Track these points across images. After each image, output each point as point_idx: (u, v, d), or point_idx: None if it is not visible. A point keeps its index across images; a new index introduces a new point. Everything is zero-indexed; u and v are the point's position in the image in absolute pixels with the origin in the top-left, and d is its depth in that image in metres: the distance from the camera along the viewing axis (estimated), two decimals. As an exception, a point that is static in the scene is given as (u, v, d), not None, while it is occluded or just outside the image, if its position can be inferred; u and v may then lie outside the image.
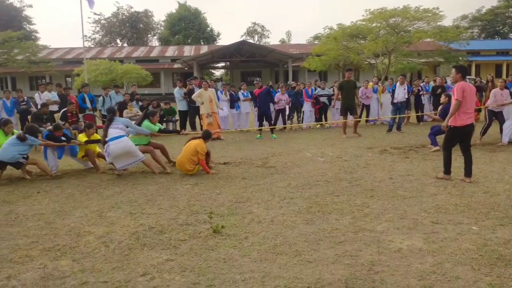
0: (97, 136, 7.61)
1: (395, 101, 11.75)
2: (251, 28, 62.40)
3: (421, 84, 14.16)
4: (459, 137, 5.81)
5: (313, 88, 13.85)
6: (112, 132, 6.76)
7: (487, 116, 9.20)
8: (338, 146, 9.34)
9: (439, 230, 3.94)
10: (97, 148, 7.74)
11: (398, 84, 11.87)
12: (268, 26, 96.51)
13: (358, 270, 3.14)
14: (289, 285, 2.92)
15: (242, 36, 61.50)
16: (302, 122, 13.63)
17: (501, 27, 55.71)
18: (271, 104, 12.04)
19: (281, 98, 12.57)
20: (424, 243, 3.64)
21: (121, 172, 6.99)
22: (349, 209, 4.66)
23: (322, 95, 13.45)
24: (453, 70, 5.84)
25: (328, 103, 13.69)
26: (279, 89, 13.01)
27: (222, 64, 41.65)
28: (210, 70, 46.89)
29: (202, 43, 52.30)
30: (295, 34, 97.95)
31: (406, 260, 3.30)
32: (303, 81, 18.93)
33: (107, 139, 6.73)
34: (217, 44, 51.07)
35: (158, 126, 7.46)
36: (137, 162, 6.96)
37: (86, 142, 7.37)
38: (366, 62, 27.22)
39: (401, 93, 11.64)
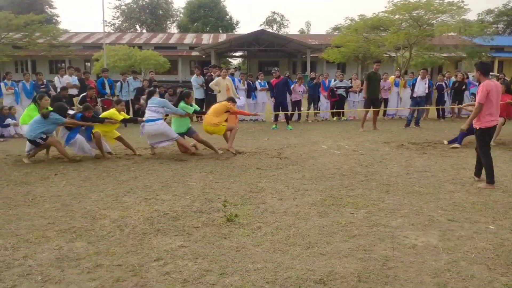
0: (125, 116, 7.82)
1: (414, 95, 11.56)
2: (270, 17, 61.90)
3: (444, 80, 13.86)
4: (488, 138, 5.43)
5: (330, 80, 13.69)
6: (149, 114, 7.20)
7: None
8: (354, 139, 9.25)
9: (455, 228, 3.88)
10: (115, 132, 7.67)
11: (419, 78, 11.66)
12: (287, 15, 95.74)
13: (371, 265, 3.11)
14: (302, 277, 2.92)
15: (261, 25, 61.13)
16: (319, 113, 13.53)
17: (527, 22, 53.98)
18: (288, 95, 11.98)
19: (298, 89, 12.49)
20: (440, 241, 3.58)
21: (154, 149, 7.47)
22: (364, 203, 4.62)
23: (339, 87, 13.29)
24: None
25: (345, 95, 13.53)
26: (296, 80, 12.92)
27: (240, 53, 41.50)
28: (228, 58, 46.78)
29: (220, 31, 52.14)
30: (314, 25, 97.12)
31: (420, 257, 3.26)
32: (321, 72, 18.69)
33: (144, 119, 7.27)
34: (236, 32, 50.86)
35: (193, 108, 7.75)
36: (171, 142, 7.33)
37: (123, 121, 7.57)
38: (386, 55, 26.77)
39: (421, 88, 11.45)
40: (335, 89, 13.17)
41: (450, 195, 4.94)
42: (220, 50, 35.03)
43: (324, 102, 13.38)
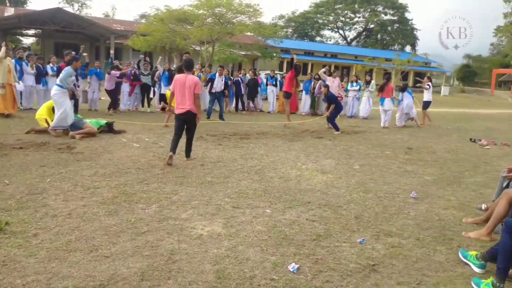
0: None
1: (213, 90, 12.30)
2: (70, -4, 56.04)
3: (240, 76, 15.09)
4: (179, 122, 6.33)
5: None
6: None
7: None
8: (156, 131, 9.19)
9: (238, 215, 4.22)
10: None
11: (217, 74, 12.39)
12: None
13: (156, 261, 3.11)
14: (79, 285, 2.70)
15: (59, 2, 54.68)
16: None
17: (309, 30, 63.52)
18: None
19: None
20: (223, 228, 3.84)
21: None
22: (157, 197, 4.60)
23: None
24: None
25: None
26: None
27: (33, 31, 36.35)
28: (18, 36, 40.44)
29: (8, 4, 44.64)
30: (120, 10, 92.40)
31: (204, 246, 3.42)
32: (128, 60, 17.63)
33: None
34: (27, 7, 44.40)
35: None
36: None
37: None
38: (192, 48, 27.49)
39: (219, 84, 12.26)
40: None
41: (237, 183, 5.37)
42: (7, 26, 29.99)
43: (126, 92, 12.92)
